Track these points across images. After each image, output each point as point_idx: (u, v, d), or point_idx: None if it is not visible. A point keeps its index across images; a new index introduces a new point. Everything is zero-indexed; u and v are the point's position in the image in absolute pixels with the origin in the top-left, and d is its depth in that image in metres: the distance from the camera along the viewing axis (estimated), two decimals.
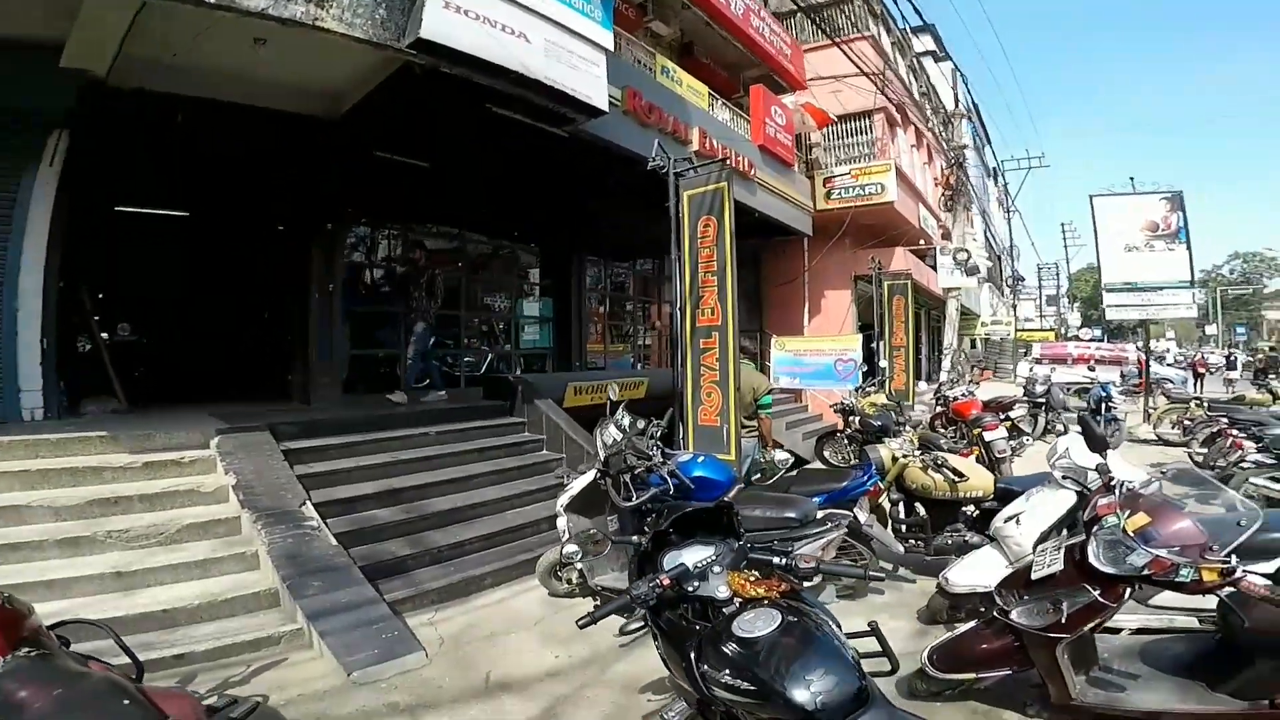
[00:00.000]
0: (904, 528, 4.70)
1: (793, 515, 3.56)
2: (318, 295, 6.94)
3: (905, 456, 4.67)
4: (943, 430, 8.91)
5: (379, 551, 4.37)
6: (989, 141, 32.80)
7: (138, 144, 5.77)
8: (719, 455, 4.96)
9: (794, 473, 5.15)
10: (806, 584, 3.07)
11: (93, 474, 4.22)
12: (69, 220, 5.13)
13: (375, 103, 5.66)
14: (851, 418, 8.01)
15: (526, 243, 10.14)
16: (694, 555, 1.93)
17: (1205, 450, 7.53)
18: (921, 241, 14.70)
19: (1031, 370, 13.37)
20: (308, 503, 4.40)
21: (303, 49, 4.71)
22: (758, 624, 1.68)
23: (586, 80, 5.73)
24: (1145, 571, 2.34)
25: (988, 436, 7.33)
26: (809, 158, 13.09)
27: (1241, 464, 6.22)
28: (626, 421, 3.98)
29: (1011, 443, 7.97)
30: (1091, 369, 12.68)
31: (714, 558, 1.90)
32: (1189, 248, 12.06)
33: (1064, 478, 3.39)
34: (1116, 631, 2.94)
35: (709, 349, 5.70)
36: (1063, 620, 2.45)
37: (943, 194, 15.91)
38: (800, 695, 1.51)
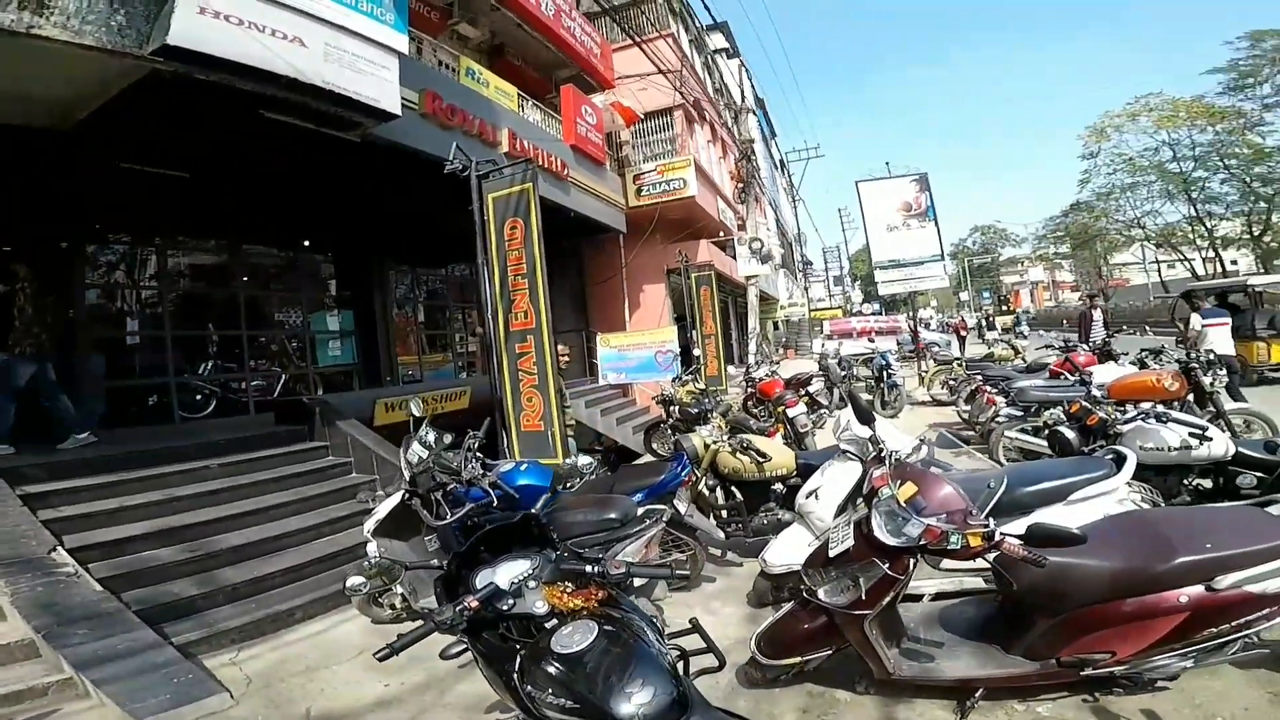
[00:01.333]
0: (724, 513, 4.94)
1: (613, 516, 3.61)
2: (52, 320, 6.17)
3: (715, 443, 4.85)
4: (754, 411, 9.91)
5: (160, 594, 4.19)
6: (774, 135, 36.41)
7: None
8: (544, 460, 5.13)
9: (616, 472, 5.37)
10: (637, 584, 3.15)
11: None
12: None
13: (117, 110, 5.20)
14: (672, 407, 8.67)
15: (321, 252, 9.67)
16: (509, 571, 1.88)
17: (969, 407, 8.62)
18: (721, 233, 15.86)
19: (824, 346, 15.31)
20: (59, 549, 4.11)
21: (18, 55, 4.25)
22: (575, 638, 1.68)
23: (374, 84, 5.67)
24: (922, 541, 2.38)
25: (790, 413, 8.24)
26: (619, 155, 13.61)
27: (997, 418, 6.82)
28: (431, 437, 4.02)
29: (812, 416, 8.99)
30: (871, 340, 14.81)
31: (530, 572, 1.86)
32: (937, 223, 14.68)
33: (845, 450, 3.57)
34: (918, 598, 3.11)
35: (525, 353, 5.83)
36: (863, 596, 2.50)
37: (736, 186, 17.17)
38: (623, 709, 1.53)
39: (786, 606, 2.96)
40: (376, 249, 9.93)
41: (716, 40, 22.14)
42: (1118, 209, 32.73)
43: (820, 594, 2.64)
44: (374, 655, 1.74)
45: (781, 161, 36.86)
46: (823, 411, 10.25)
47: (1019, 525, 2.49)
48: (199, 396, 7.84)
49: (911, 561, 2.49)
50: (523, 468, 4.38)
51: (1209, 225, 28.63)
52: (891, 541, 2.45)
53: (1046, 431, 5.58)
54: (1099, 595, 2.46)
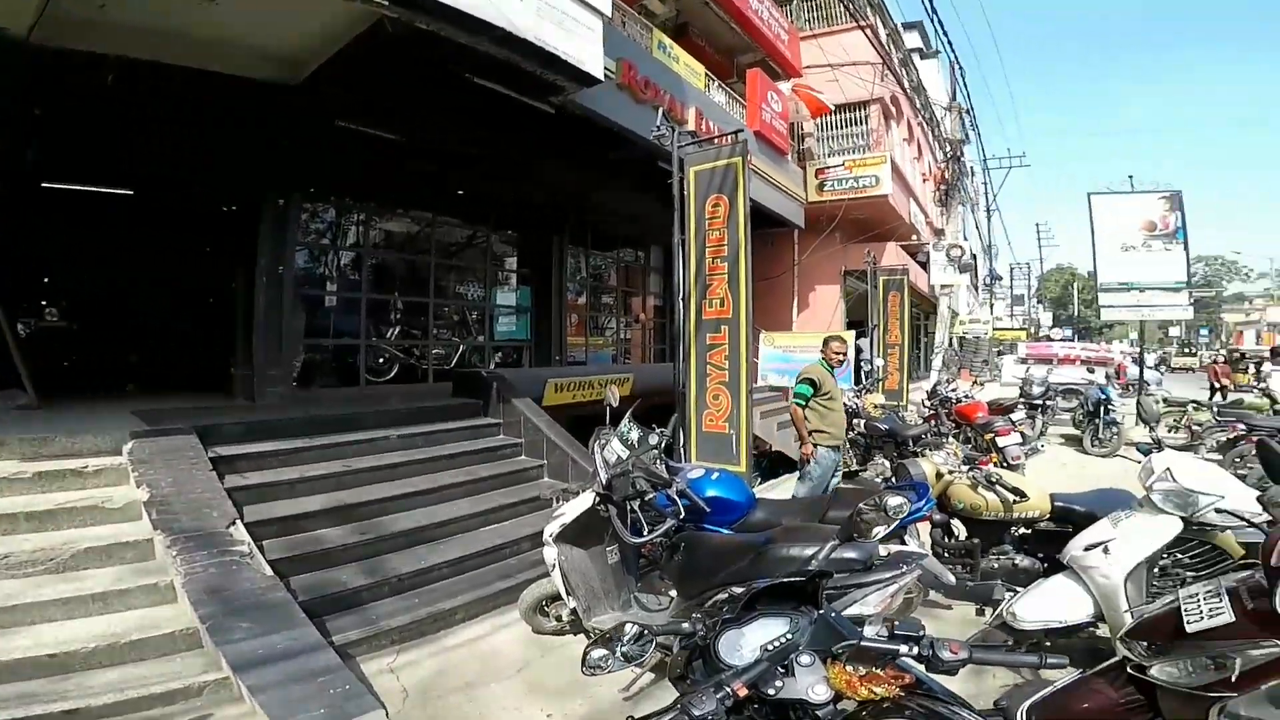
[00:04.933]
0: (943, 553, 4.03)
1: (854, 556, 2.75)
2: (265, 279, 6.17)
3: (951, 473, 3.99)
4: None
5: (327, 581, 3.67)
6: (968, 139, 33.14)
7: (67, 112, 5.01)
8: (729, 467, 4.39)
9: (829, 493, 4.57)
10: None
11: None
12: None
13: (343, 65, 5.05)
14: (855, 420, 7.48)
15: (503, 229, 9.48)
16: (759, 634, 1.42)
17: (1220, 456, 7.13)
18: (913, 237, 14.42)
19: (1028, 371, 12.92)
20: (238, 523, 3.66)
21: (261, 5, 4.11)
22: None
23: (580, 45, 5.20)
24: None
25: (1001, 442, 6.80)
26: (801, 147, 12.82)
27: None
28: (635, 435, 3.26)
29: (1024, 448, 7.41)
30: (1091, 370, 12.38)
31: (789, 637, 1.38)
32: (1186, 248, 11.93)
33: (1165, 501, 2.92)
34: None
35: (717, 345, 5.13)
36: (1233, 678, 2.02)
37: (937, 189, 15.73)
38: None
39: (1069, 675, 2.41)
40: (555, 229, 9.62)
41: (912, 40, 20.09)
42: None
43: (1153, 669, 2.17)
44: None
45: (972, 168, 33.43)
46: (1034, 444, 8.52)
47: None
48: (383, 360, 7.79)
49: None
50: (713, 476, 3.66)
51: None
52: None
53: None
54: None
